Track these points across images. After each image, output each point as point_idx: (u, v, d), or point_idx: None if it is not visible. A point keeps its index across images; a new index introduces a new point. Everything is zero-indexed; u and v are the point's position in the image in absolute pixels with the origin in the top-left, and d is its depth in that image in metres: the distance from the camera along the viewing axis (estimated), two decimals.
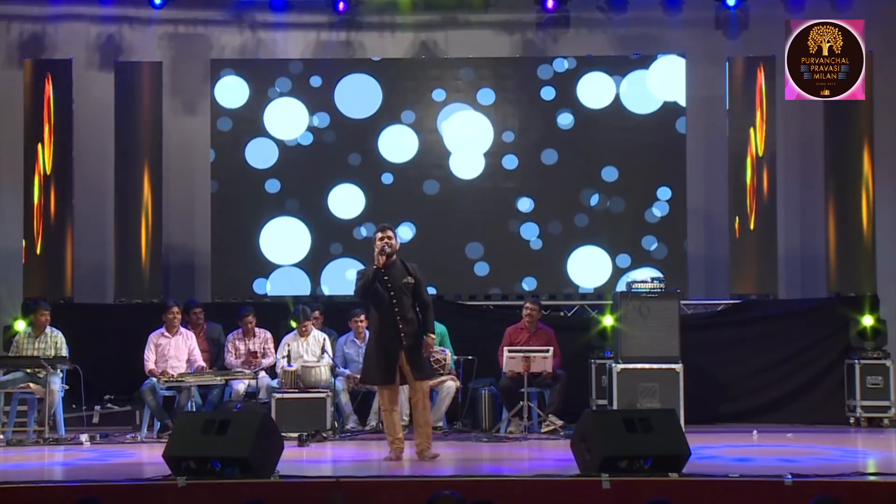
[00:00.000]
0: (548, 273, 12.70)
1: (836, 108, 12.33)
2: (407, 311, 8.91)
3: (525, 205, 12.77)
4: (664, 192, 12.68)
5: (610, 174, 12.75)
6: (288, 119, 12.83)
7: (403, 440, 9.02)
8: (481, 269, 12.74)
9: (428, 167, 12.83)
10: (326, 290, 12.67)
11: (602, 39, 13.32)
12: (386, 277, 8.92)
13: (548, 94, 12.78)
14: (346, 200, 12.81)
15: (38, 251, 12.47)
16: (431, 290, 10.51)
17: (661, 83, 12.72)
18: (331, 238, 12.77)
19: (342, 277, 12.50)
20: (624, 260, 12.64)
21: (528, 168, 12.79)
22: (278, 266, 12.72)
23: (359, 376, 11.22)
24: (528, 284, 12.65)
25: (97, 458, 9.39)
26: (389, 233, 8.99)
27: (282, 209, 12.77)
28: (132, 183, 12.66)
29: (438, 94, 12.84)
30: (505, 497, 7.03)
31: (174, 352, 11.19)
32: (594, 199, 12.74)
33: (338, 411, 11.10)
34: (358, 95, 12.86)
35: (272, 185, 12.77)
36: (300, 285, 12.69)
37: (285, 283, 12.69)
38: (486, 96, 12.84)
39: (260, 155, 12.79)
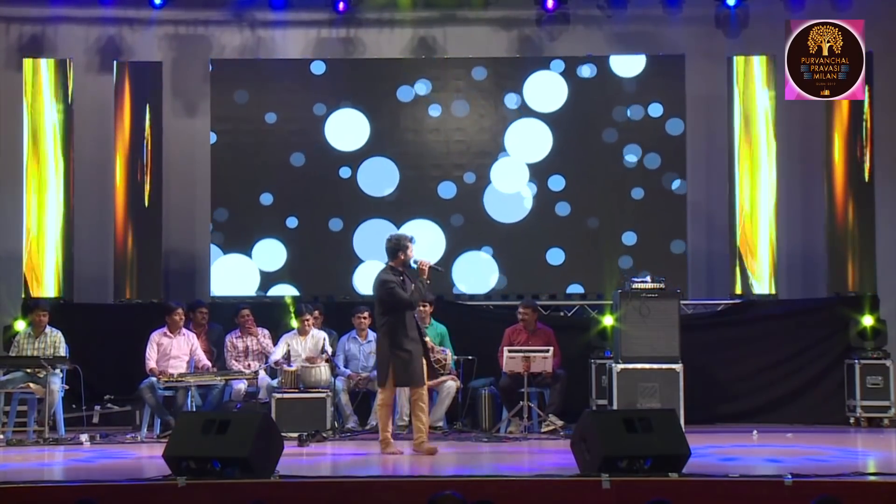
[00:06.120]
0: (547, 273, 12.73)
1: (837, 108, 12.36)
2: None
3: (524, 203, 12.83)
4: (665, 192, 12.70)
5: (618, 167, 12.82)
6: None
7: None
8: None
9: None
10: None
11: (601, 38, 13.30)
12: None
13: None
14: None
15: (39, 252, 12.47)
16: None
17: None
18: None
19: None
20: (626, 262, 12.63)
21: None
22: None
23: (359, 375, 11.27)
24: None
25: (97, 458, 9.39)
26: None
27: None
28: (132, 183, 12.65)
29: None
30: (505, 497, 7.04)
31: (176, 352, 11.19)
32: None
33: (338, 411, 11.09)
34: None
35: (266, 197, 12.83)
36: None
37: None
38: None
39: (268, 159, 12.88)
